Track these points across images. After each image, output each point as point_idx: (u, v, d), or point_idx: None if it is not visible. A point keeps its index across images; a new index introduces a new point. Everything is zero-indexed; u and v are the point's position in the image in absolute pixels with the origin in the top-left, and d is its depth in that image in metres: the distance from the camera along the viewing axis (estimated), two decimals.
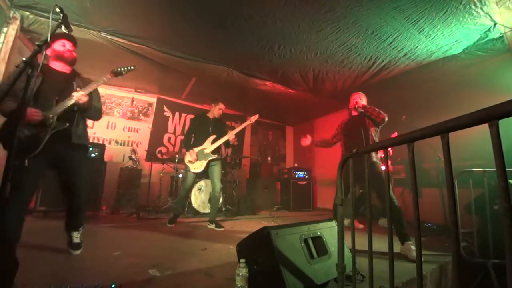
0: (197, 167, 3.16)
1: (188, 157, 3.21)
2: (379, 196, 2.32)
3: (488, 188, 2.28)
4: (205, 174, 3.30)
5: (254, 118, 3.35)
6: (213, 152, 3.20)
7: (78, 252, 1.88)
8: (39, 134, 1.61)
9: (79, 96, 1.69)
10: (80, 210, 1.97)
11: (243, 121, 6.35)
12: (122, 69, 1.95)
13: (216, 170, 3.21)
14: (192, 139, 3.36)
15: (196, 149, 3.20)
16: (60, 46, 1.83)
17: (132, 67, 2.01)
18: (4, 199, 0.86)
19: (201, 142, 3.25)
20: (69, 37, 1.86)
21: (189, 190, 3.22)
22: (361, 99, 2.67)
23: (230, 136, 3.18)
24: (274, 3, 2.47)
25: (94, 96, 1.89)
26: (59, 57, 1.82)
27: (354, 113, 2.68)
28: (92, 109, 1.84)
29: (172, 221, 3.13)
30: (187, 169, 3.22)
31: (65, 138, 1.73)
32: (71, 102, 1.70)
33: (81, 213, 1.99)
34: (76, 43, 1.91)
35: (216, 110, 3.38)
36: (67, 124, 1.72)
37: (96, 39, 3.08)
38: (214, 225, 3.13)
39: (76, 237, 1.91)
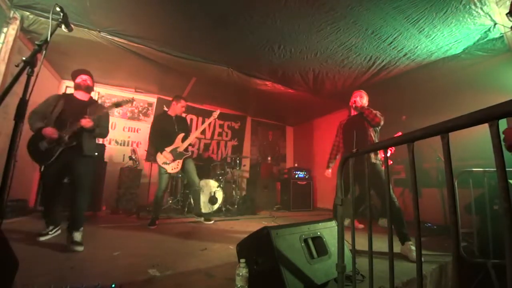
0: (174, 167, 3.13)
1: (163, 158, 3.13)
2: (379, 196, 2.32)
3: (488, 188, 2.28)
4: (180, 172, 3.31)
5: (216, 113, 3.46)
6: (185, 150, 3.24)
7: (81, 248, 1.91)
8: (54, 148, 2.10)
9: (84, 122, 2.12)
10: (81, 203, 2.16)
11: (243, 121, 6.44)
12: (122, 101, 2.42)
13: (192, 166, 3.27)
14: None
15: (168, 149, 3.16)
16: (79, 79, 2.33)
17: (131, 99, 2.52)
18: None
19: (169, 142, 3.20)
20: (85, 72, 2.38)
21: (164, 191, 3.19)
22: (362, 98, 2.67)
23: (197, 133, 3.46)
24: (274, 3, 2.47)
25: (103, 120, 2.33)
26: (77, 87, 2.33)
27: (354, 112, 2.69)
28: (97, 131, 2.28)
29: (152, 223, 2.99)
30: (162, 172, 3.13)
31: (76, 151, 2.15)
32: (79, 125, 2.13)
33: (82, 208, 2.17)
34: (90, 74, 2.40)
35: (178, 108, 3.34)
36: (75, 143, 2.14)
37: (96, 39, 3.08)
38: (202, 218, 3.20)
39: (77, 237, 2.01)
